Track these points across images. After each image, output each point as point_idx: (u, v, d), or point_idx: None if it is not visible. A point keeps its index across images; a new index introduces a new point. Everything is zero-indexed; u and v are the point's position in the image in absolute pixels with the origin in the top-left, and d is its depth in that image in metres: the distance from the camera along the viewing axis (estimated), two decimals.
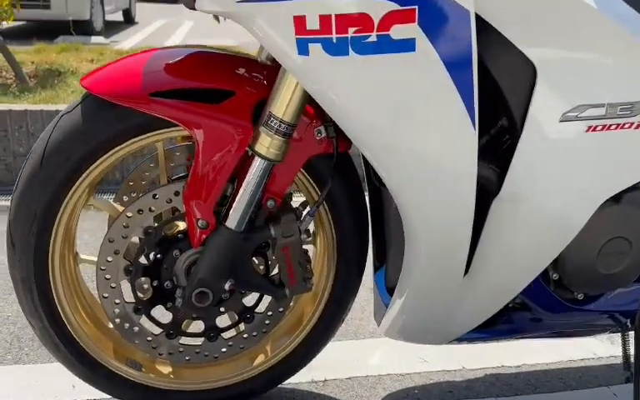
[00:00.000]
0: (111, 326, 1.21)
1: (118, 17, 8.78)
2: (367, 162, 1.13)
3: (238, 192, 1.05)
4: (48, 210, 1.06)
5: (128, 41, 7.14)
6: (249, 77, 1.07)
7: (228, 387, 1.29)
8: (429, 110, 0.87)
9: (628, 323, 1.21)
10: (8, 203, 1.11)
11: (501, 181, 0.96)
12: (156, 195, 1.08)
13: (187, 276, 1.13)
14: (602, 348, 1.60)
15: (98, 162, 1.05)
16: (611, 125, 0.91)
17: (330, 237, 1.21)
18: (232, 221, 1.06)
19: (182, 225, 1.15)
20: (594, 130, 0.90)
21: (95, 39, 6.41)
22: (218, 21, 1.44)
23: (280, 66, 0.95)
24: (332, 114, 0.93)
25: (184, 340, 1.24)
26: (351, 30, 0.82)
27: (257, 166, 1.02)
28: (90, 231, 1.92)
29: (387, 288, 1.23)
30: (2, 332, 1.62)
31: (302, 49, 0.84)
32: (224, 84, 1.02)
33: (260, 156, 1.01)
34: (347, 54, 0.83)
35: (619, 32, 0.86)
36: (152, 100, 0.99)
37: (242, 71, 1.08)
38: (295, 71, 0.89)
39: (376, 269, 1.27)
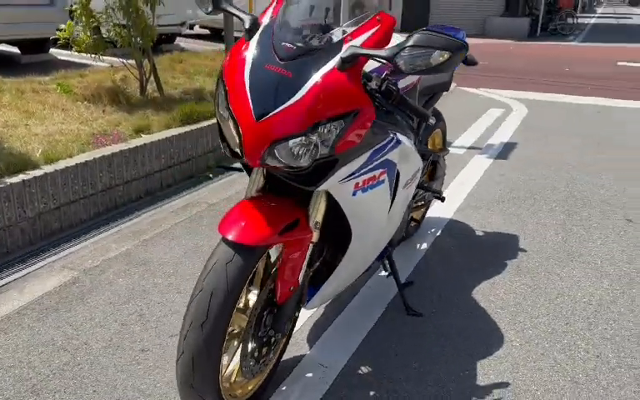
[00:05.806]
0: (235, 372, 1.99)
1: None
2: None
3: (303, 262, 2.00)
4: (220, 337, 1.75)
5: None
6: (296, 204, 1.93)
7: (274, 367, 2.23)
8: (382, 200, 2.09)
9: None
10: None
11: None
12: (264, 288, 1.93)
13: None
14: None
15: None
16: (406, 185, 2.33)
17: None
18: (300, 278, 2.01)
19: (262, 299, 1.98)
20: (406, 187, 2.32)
21: None
22: None
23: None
24: (346, 210, 1.99)
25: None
26: (370, 182, 1.94)
27: (311, 247, 1.99)
28: None
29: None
30: None
31: (354, 194, 1.91)
32: (294, 216, 1.90)
33: (312, 243, 1.99)
34: (367, 192, 1.95)
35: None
36: (279, 237, 1.81)
37: (290, 204, 1.92)
38: (344, 202, 1.92)
39: None
